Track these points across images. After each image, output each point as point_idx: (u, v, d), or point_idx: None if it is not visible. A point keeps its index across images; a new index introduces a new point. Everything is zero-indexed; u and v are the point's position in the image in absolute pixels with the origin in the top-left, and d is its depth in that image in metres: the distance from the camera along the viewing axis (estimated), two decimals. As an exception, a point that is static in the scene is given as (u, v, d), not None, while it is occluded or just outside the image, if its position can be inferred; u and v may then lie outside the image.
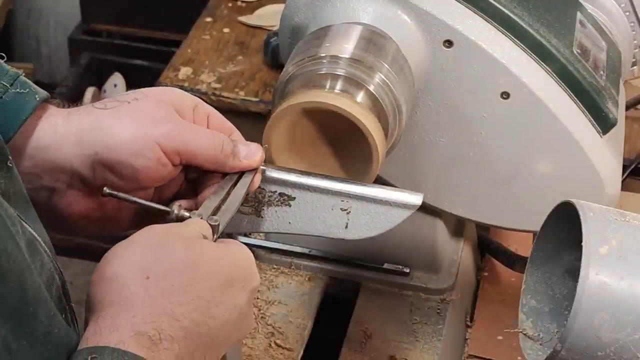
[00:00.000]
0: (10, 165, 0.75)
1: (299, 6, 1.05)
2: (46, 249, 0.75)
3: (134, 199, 0.83)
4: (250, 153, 0.87)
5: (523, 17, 1.02)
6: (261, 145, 0.89)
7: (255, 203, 0.90)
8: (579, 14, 1.12)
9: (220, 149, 0.85)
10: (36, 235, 0.74)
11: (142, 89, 0.86)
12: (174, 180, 0.86)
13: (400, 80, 0.96)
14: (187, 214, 0.81)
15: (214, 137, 0.85)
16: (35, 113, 0.81)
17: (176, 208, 0.81)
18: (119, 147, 0.81)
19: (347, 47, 0.95)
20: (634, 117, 1.50)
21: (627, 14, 1.21)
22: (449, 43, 1.01)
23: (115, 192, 0.82)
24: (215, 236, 0.80)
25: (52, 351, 0.68)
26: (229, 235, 1.21)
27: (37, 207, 0.79)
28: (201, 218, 0.81)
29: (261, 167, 0.89)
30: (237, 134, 0.89)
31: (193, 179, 0.88)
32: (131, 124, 0.81)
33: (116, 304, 0.71)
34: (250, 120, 1.69)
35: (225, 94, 1.71)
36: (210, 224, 0.80)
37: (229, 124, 0.89)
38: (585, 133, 1.04)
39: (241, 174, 0.87)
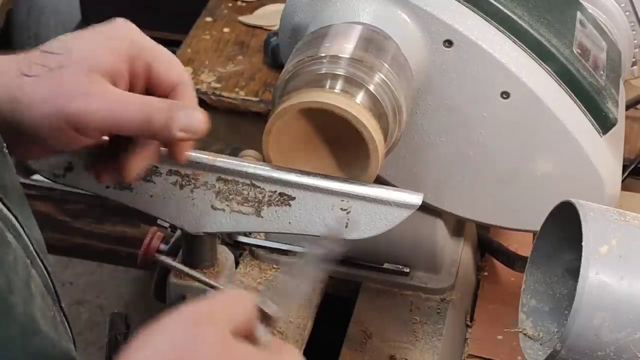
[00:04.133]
0: (6, 151, 0.74)
1: (299, 6, 1.05)
2: (36, 248, 0.74)
3: (189, 271, 0.79)
4: (191, 121, 0.80)
5: (523, 17, 1.02)
6: (261, 145, 0.89)
7: (255, 203, 0.90)
8: (579, 14, 1.11)
9: (148, 121, 0.78)
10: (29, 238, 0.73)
11: (74, 44, 0.81)
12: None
13: (400, 80, 0.96)
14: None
15: (140, 108, 0.79)
16: None
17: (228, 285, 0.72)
18: (35, 124, 0.77)
19: (347, 46, 0.95)
20: (634, 117, 1.49)
21: (627, 13, 1.21)
22: (449, 43, 1.01)
23: (162, 259, 0.79)
24: (265, 333, 0.67)
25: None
26: (229, 235, 1.22)
27: None
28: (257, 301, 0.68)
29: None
30: (182, 88, 0.83)
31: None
32: (47, 98, 0.77)
33: None
34: (250, 120, 1.69)
35: (225, 93, 1.70)
36: (263, 311, 0.67)
37: (174, 75, 0.83)
38: (585, 133, 1.04)
39: None
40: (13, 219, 0.72)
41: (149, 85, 0.84)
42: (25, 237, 0.73)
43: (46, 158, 0.88)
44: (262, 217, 0.90)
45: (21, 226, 0.73)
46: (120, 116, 0.78)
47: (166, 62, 0.83)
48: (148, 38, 0.85)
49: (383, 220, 0.88)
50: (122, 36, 0.83)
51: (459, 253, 1.25)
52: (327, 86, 0.91)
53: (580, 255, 0.76)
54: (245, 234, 1.24)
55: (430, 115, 1.05)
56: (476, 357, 1.16)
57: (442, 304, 1.20)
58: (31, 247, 0.74)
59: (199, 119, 0.80)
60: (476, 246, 1.31)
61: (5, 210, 0.71)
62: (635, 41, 1.23)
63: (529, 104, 1.02)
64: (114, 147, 0.84)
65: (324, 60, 0.93)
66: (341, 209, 0.88)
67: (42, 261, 0.75)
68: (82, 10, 2.73)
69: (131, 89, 0.83)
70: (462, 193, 1.10)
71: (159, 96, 0.83)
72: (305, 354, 1.14)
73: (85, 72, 0.79)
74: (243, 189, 0.90)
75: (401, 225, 0.88)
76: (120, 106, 0.78)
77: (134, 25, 0.85)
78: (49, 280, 0.76)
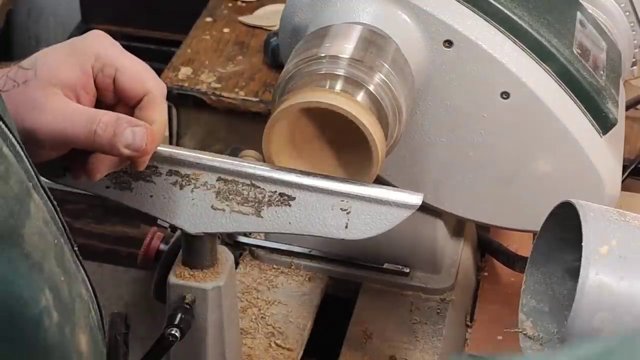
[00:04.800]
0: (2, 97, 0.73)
1: (299, 6, 1.05)
2: (41, 182, 0.73)
3: None
4: (134, 139, 0.81)
5: (523, 17, 1.02)
6: (261, 146, 0.89)
7: (255, 203, 0.90)
8: (579, 14, 1.12)
9: (93, 137, 0.80)
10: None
11: (42, 59, 0.83)
12: None
13: (400, 80, 0.96)
14: None
15: (86, 123, 0.80)
16: None
17: None
18: None
19: (347, 47, 0.95)
20: (634, 117, 1.50)
21: (627, 14, 1.21)
22: (449, 43, 1.01)
23: None
24: None
25: None
26: (229, 235, 1.22)
27: None
28: None
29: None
30: (147, 100, 0.84)
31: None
32: (13, 114, 0.77)
33: None
34: (250, 120, 1.69)
35: (225, 94, 1.70)
36: None
37: (137, 87, 0.84)
38: (585, 133, 1.04)
39: None
40: (14, 140, 0.71)
41: (119, 97, 0.85)
42: (27, 163, 0.72)
43: None
44: (262, 217, 0.90)
45: (24, 154, 0.71)
46: (66, 131, 0.80)
47: (130, 75, 0.84)
48: (118, 50, 0.86)
49: (383, 220, 0.88)
50: (88, 50, 0.84)
51: (459, 253, 1.25)
52: (328, 86, 0.91)
53: (580, 256, 0.76)
54: (245, 234, 1.24)
55: (430, 115, 1.05)
56: (476, 357, 1.16)
57: (442, 304, 1.20)
58: (35, 177, 0.72)
59: (142, 137, 0.81)
60: (476, 246, 1.31)
61: (5, 129, 0.70)
62: (635, 41, 1.23)
63: (529, 104, 1.02)
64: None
65: (324, 61, 0.93)
66: (341, 209, 0.88)
67: (48, 197, 0.73)
68: (82, 12, 2.73)
69: (100, 101, 0.85)
70: (462, 193, 1.10)
71: (128, 107, 0.85)
72: (305, 354, 1.15)
73: (44, 87, 0.81)
74: (243, 189, 0.90)
75: (401, 225, 0.88)
76: (66, 121, 0.80)
77: (106, 39, 0.86)
78: (58, 217, 0.74)
